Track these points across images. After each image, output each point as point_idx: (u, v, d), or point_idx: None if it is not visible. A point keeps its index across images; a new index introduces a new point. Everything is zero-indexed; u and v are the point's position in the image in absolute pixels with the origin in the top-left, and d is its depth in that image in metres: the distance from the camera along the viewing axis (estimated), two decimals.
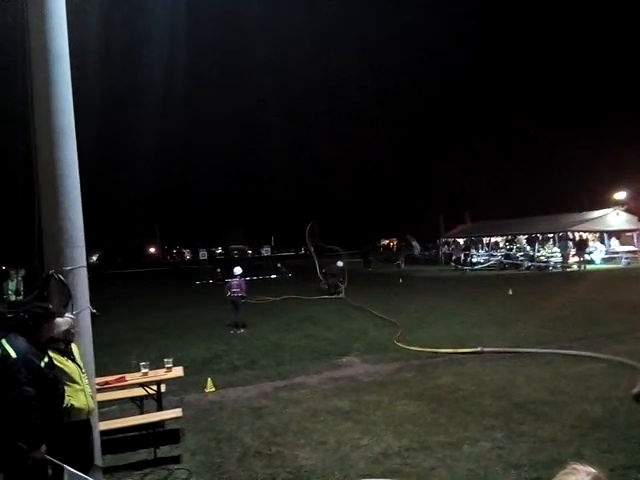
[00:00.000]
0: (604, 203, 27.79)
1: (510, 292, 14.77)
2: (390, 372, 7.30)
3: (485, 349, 8.00)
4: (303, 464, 4.38)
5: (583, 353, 7.48)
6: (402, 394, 6.13)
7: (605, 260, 24.06)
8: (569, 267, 22.87)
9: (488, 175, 37.09)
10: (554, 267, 23.22)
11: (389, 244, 52.69)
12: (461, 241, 32.03)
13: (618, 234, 25.36)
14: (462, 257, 28.38)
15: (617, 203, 27.24)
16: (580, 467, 1.39)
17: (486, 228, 31.02)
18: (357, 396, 6.19)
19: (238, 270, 11.50)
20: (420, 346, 8.56)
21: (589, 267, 22.58)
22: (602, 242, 25.30)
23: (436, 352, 8.16)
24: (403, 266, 29.99)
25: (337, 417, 5.50)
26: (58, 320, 3.38)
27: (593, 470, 1.37)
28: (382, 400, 5.96)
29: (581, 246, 24.03)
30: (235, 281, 11.40)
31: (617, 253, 24.31)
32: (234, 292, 11.32)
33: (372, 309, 12.85)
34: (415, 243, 35.07)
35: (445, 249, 32.38)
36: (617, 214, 25.01)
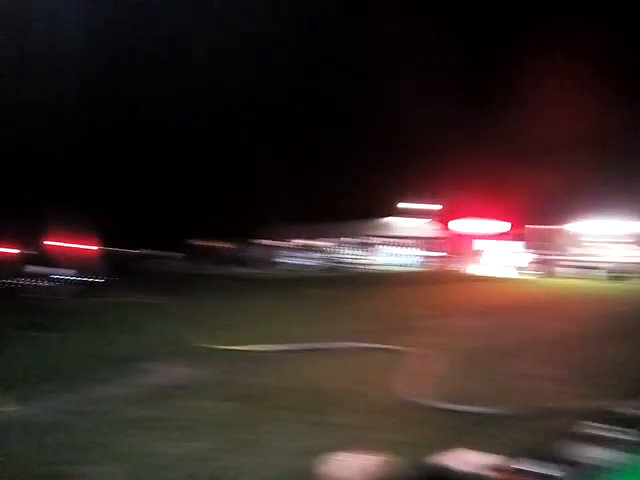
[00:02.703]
0: (406, 212, 31.23)
1: (317, 292, 15.70)
2: (199, 375, 7.10)
3: (292, 347, 8.30)
4: None
5: (372, 345, 8.27)
6: (211, 396, 6.01)
7: (400, 263, 27.09)
8: (369, 269, 25.18)
9: (301, 178, 37.81)
10: (357, 268, 25.40)
11: (205, 245, 50.22)
12: (274, 243, 33.02)
13: (423, 241, 28.91)
14: (272, 258, 29.30)
15: (419, 213, 31.15)
16: (363, 456, 1.46)
17: (295, 230, 32.37)
18: (165, 403, 5.90)
19: None
20: (231, 346, 8.49)
21: (392, 269, 25.24)
22: (410, 247, 28.59)
23: (246, 351, 8.21)
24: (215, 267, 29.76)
25: (140, 426, 5.15)
26: None
27: (379, 457, 1.45)
28: (190, 405, 5.77)
29: (377, 249, 26.74)
30: None
31: (410, 256, 27.69)
32: None
33: (181, 310, 12.48)
34: (230, 245, 35.03)
35: (257, 251, 32.92)
36: (418, 221, 28.62)
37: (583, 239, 19.82)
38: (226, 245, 35.36)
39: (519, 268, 19.48)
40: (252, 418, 5.25)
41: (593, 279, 17.58)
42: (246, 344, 8.54)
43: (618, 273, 17.29)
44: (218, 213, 35.61)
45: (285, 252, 31.31)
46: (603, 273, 17.67)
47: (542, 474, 1.60)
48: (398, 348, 7.94)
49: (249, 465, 4.15)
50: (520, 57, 29.18)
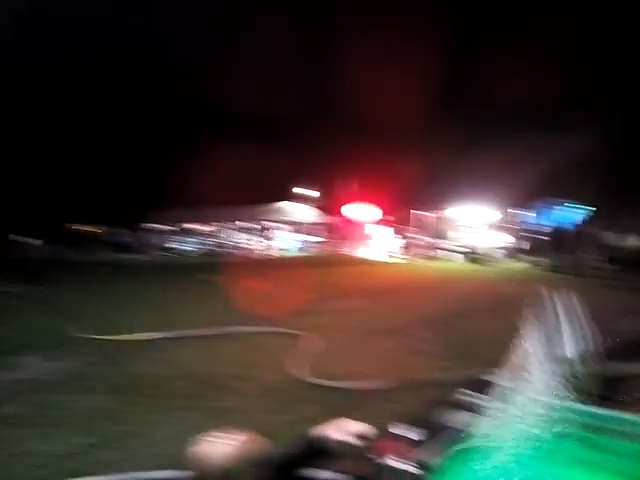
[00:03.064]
0: (294, 197, 31.60)
1: (209, 278, 15.38)
2: (74, 367, 6.59)
3: (177, 334, 8.00)
4: None
5: (267, 329, 8.27)
6: (87, 389, 5.61)
7: (292, 248, 27.54)
8: (262, 253, 25.35)
9: (196, 161, 36.53)
10: (251, 253, 25.45)
11: (87, 231, 46.88)
12: (167, 228, 31.82)
13: (307, 226, 29.49)
14: (169, 244, 28.34)
15: (306, 199, 31.77)
16: (225, 435, 1.45)
17: (194, 215, 31.57)
18: (38, 398, 5.38)
19: None
20: (108, 335, 7.99)
21: (278, 254, 25.50)
22: (294, 233, 29.03)
23: (125, 340, 7.78)
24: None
25: (11, 424, 4.66)
26: None
27: (239, 437, 1.45)
28: (66, 399, 5.33)
29: (275, 235, 26.97)
30: None
31: (302, 241, 28.27)
32: None
33: (51, 299, 11.48)
34: (120, 230, 33.10)
35: (150, 236, 31.56)
36: (308, 208, 29.14)
37: (459, 224, 21.52)
38: (102, 229, 33.11)
39: (401, 252, 20.65)
40: (133, 409, 4.99)
41: (467, 262, 19.15)
42: (125, 333, 8.08)
43: (479, 256, 19.03)
44: (103, 196, 33.32)
45: (173, 237, 30.19)
46: (468, 257, 19.33)
47: (410, 438, 1.70)
48: (289, 331, 8.03)
49: (130, 457, 3.94)
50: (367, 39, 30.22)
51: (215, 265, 20.36)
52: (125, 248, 29.66)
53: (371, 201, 22.09)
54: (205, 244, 28.13)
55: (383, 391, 5.22)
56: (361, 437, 1.66)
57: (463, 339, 7.46)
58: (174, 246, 28.22)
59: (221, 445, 1.41)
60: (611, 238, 14.24)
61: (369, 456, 1.66)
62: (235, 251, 25.70)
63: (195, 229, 30.95)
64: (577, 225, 18.50)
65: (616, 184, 22.27)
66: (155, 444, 4.14)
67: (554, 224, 16.99)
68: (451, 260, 19.77)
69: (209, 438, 1.44)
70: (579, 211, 21.58)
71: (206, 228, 30.78)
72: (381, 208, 22.22)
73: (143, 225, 32.26)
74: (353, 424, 1.71)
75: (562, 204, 21.54)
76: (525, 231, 19.92)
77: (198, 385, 5.59)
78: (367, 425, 1.71)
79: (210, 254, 26.21)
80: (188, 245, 28.79)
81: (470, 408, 2.64)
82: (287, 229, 29.06)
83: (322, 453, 1.71)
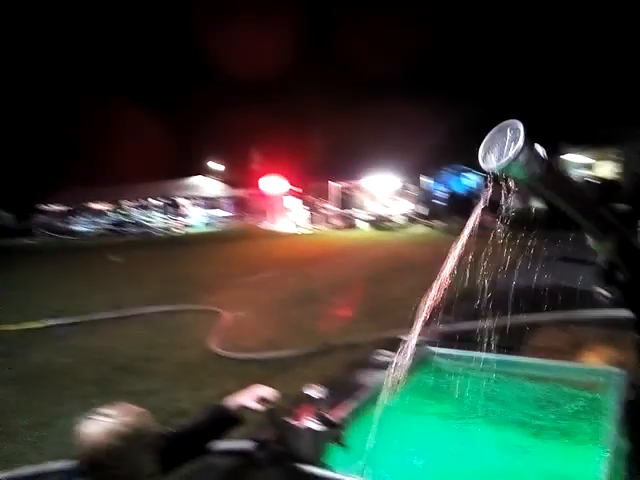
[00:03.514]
0: (200, 171, 30.72)
1: (115, 259, 14.72)
2: None
3: (85, 318, 7.62)
4: None
5: (178, 307, 8.10)
6: None
7: (202, 223, 26.88)
8: (170, 231, 24.52)
9: (86, 138, 34.01)
10: (158, 231, 24.50)
11: None
12: (60, 208, 29.54)
13: (213, 200, 28.81)
14: (66, 225, 26.45)
15: (211, 172, 30.98)
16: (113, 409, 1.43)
17: (92, 193, 29.59)
18: None
19: None
20: (9, 324, 7.43)
21: (188, 230, 24.79)
22: (201, 208, 28.25)
23: (25, 329, 7.26)
24: None
25: None
26: None
27: (125, 411, 1.42)
28: None
29: (183, 211, 26.11)
30: None
31: (212, 217, 27.66)
32: None
33: None
34: (3, 213, 30.02)
35: (43, 218, 29.19)
36: (214, 182, 28.40)
37: (365, 194, 22.18)
38: None
39: (310, 223, 20.94)
40: (37, 400, 4.72)
41: (373, 229, 19.87)
42: (23, 322, 7.53)
43: (384, 223, 19.88)
44: None
45: (72, 217, 28.09)
46: (374, 224, 20.10)
47: (322, 399, 1.78)
48: (202, 307, 7.92)
49: (35, 449, 3.75)
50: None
51: (120, 245, 19.42)
52: (7, 231, 26.92)
53: (278, 173, 22.02)
54: (109, 223, 26.55)
55: (300, 358, 5.35)
56: (267, 401, 1.72)
57: (373, 302, 7.79)
58: (73, 227, 26.35)
59: (101, 423, 1.37)
60: (501, 200, 15.42)
61: (278, 419, 1.72)
62: (142, 229, 24.58)
63: (96, 208, 29.03)
64: (471, 189, 19.85)
65: None
66: (61, 434, 3.96)
67: (450, 189, 18.07)
68: (358, 228, 20.40)
69: (93, 417, 1.40)
70: (473, 176, 23.12)
71: (108, 207, 28.97)
72: (288, 180, 22.25)
73: (37, 206, 29.59)
74: (260, 389, 1.76)
75: (458, 170, 22.93)
76: (424, 197, 21.01)
77: (109, 370, 5.37)
78: (273, 389, 1.76)
79: (115, 234, 24.87)
80: (88, 226, 27.02)
81: (383, 367, 2.79)
82: (196, 204, 28.21)
83: (230, 421, 1.75)
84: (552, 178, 1.58)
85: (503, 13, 29.16)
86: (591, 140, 26.28)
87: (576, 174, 23.73)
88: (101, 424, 1.37)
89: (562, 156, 24.31)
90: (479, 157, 1.71)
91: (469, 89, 26.05)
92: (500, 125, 1.63)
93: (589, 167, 26.62)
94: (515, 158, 1.50)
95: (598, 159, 26.76)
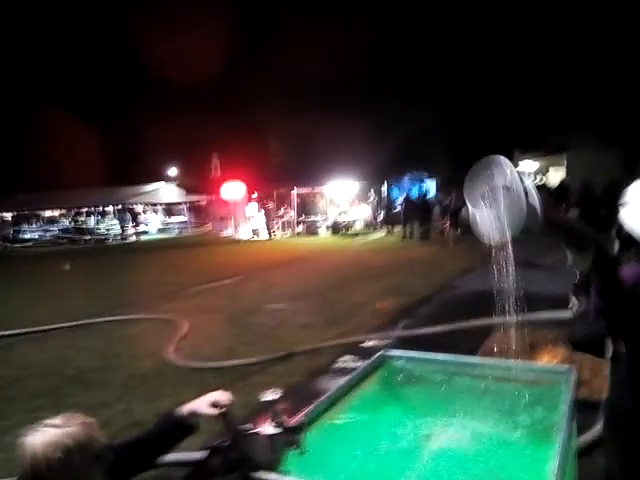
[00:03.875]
0: (157, 177, 30.05)
1: (67, 267, 14.19)
2: None
3: (40, 328, 7.28)
4: None
5: (132, 316, 7.86)
6: None
7: (160, 230, 26.26)
8: (126, 239, 23.85)
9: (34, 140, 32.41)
10: (113, 239, 23.80)
11: None
12: (9, 215, 28.19)
13: (170, 206, 28.23)
14: (12, 233, 25.34)
15: (169, 178, 30.43)
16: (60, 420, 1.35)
17: (39, 200, 28.32)
18: None
19: None
20: None
21: (145, 238, 24.18)
22: (156, 214, 27.61)
23: None
24: None
25: None
26: None
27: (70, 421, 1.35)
28: None
29: (136, 218, 25.42)
30: None
31: (169, 224, 27.08)
32: None
33: None
34: None
35: None
36: (169, 188, 27.81)
37: (324, 200, 22.25)
38: None
39: (269, 229, 20.83)
40: None
41: (332, 235, 19.94)
42: None
43: (343, 229, 20.02)
44: None
45: (27, 224, 26.83)
46: (333, 230, 20.20)
47: (279, 404, 1.76)
48: (156, 316, 7.73)
49: None
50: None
51: (72, 253, 18.73)
52: None
53: (238, 179, 21.80)
54: (60, 231, 25.51)
55: (260, 365, 5.29)
56: (222, 406, 1.68)
57: (332, 308, 7.80)
58: (22, 235, 25.20)
59: (43, 433, 1.30)
60: (454, 206, 15.83)
61: (232, 424, 1.68)
62: (95, 237, 23.77)
63: (48, 215, 27.82)
64: (426, 194, 20.26)
65: (455, 156, 24.72)
66: (6, 450, 3.75)
67: (406, 196, 18.37)
68: (319, 234, 20.43)
69: (37, 428, 1.32)
70: (428, 182, 23.63)
71: (60, 213, 27.82)
72: (248, 186, 22.08)
73: None
74: (214, 394, 1.72)
75: (414, 177, 23.40)
76: (383, 203, 21.27)
77: (58, 382, 5.15)
78: (227, 393, 1.73)
79: (66, 241, 23.94)
80: (39, 233, 25.89)
81: (342, 372, 2.78)
82: (154, 211, 27.53)
83: (183, 429, 1.70)
84: (549, 223, 1.67)
85: (460, 19, 30.07)
86: (543, 147, 27.45)
87: (530, 181, 24.71)
88: (43, 435, 1.29)
89: (517, 162, 25.32)
90: (466, 194, 1.78)
91: (427, 96, 26.74)
92: (493, 169, 1.69)
93: (541, 172, 27.76)
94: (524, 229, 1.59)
95: (549, 165, 27.97)
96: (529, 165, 26.67)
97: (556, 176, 26.23)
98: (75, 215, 27.40)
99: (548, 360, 3.77)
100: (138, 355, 5.91)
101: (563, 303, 2.22)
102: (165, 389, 4.78)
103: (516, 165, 25.68)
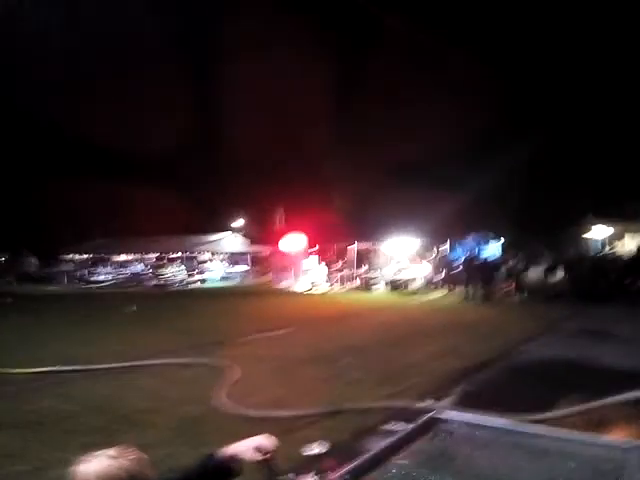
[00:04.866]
0: (224, 227, 31.28)
1: (133, 309, 14.76)
2: None
3: (98, 367, 7.53)
4: None
5: (189, 360, 7.96)
6: None
7: (222, 278, 26.98)
8: (190, 284, 24.67)
9: (112, 190, 34.74)
10: (179, 284, 24.69)
11: None
12: (85, 258, 30.08)
13: (235, 255, 29.10)
14: (87, 274, 26.93)
15: (236, 229, 31.62)
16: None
17: (114, 245, 30.14)
18: None
19: None
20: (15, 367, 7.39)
21: (207, 285, 24.90)
22: (223, 263, 28.49)
23: (31, 373, 7.21)
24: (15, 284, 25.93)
25: None
26: None
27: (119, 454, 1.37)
28: None
29: (203, 266, 26.35)
30: None
31: (232, 272, 27.81)
32: None
33: None
34: (32, 259, 30.66)
35: (68, 266, 29.66)
36: (234, 238, 28.83)
37: (384, 256, 22.10)
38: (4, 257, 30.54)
39: (327, 283, 20.87)
40: (33, 446, 4.61)
41: (390, 292, 19.65)
42: (31, 366, 7.47)
43: (402, 286, 19.67)
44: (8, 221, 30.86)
45: (92, 267, 28.54)
46: (391, 287, 19.91)
47: (316, 454, 1.70)
48: (210, 361, 7.78)
49: None
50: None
51: (137, 296, 19.50)
52: (31, 278, 27.38)
53: (299, 231, 22.25)
54: (128, 275, 26.87)
55: (307, 418, 5.16)
56: (266, 451, 1.64)
57: (386, 366, 7.57)
58: (94, 277, 26.75)
59: (97, 463, 1.31)
60: (520, 269, 15.27)
61: (275, 471, 1.63)
62: (159, 281, 24.77)
63: (117, 260, 29.49)
64: (490, 257, 19.66)
65: (524, 218, 24.04)
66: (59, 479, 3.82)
67: (469, 256, 17.93)
68: (376, 290, 20.20)
69: (87, 457, 1.34)
70: (493, 243, 22.98)
71: (130, 258, 29.39)
72: (309, 239, 22.44)
73: (58, 254, 30.14)
74: (260, 438, 1.68)
75: (478, 237, 22.86)
76: (444, 262, 20.83)
77: (107, 420, 5.25)
78: (274, 438, 1.69)
79: (133, 285, 25.07)
80: (108, 275, 27.36)
81: (391, 433, 2.67)
82: (218, 259, 28.43)
83: (224, 471, 1.67)
84: None
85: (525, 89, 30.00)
86: (618, 213, 26.18)
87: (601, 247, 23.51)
88: (98, 464, 1.32)
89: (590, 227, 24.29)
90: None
91: (496, 157, 26.48)
92: None
93: (616, 238, 26.35)
94: None
95: (626, 231, 26.53)
96: (602, 231, 25.40)
97: (632, 243, 24.77)
98: (143, 260, 28.75)
99: (619, 437, 3.42)
100: (189, 399, 5.93)
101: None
102: (212, 435, 4.74)
103: (587, 230, 24.60)
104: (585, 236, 24.59)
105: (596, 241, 24.58)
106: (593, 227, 24.80)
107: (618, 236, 26.53)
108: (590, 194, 26.69)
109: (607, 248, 23.54)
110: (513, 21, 27.41)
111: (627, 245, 25.16)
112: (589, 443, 2.17)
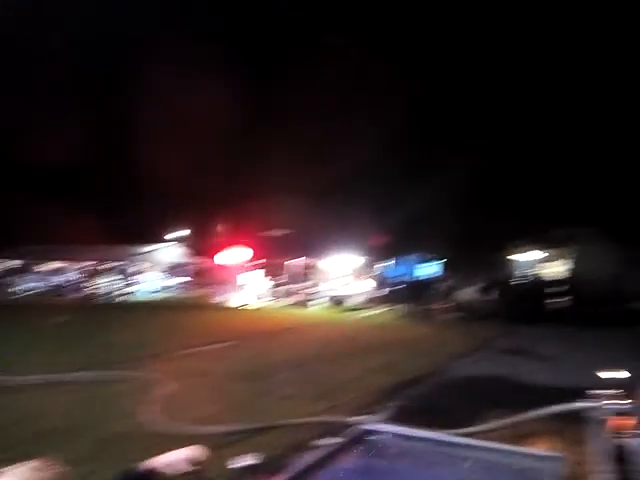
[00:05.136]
0: (160, 239, 30.36)
1: (63, 319, 14.04)
2: None
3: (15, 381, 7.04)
4: None
5: (115, 375, 7.61)
6: None
7: (157, 290, 26.15)
8: (122, 297, 23.74)
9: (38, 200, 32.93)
10: (109, 296, 23.69)
11: None
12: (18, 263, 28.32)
13: (173, 268, 28.30)
14: (11, 283, 25.39)
15: (176, 240, 30.74)
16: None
17: (42, 252, 28.54)
18: None
19: None
20: None
21: (142, 297, 24.04)
22: (158, 274, 27.61)
23: None
24: None
25: None
26: None
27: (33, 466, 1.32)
28: None
29: (136, 277, 25.43)
30: None
31: (168, 285, 27.03)
32: None
33: None
34: None
35: None
36: (175, 249, 28.05)
37: (326, 272, 22.24)
38: None
39: (267, 297, 20.69)
40: None
41: (330, 308, 19.73)
42: None
43: (342, 303, 19.85)
44: None
45: (22, 276, 26.84)
46: (332, 302, 20.05)
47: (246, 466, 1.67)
48: (146, 376, 7.46)
49: None
50: None
51: (62, 307, 18.53)
52: None
53: (240, 244, 21.99)
54: (54, 284, 25.45)
55: (239, 434, 5.02)
56: (197, 462, 1.58)
57: (323, 381, 7.54)
58: (17, 286, 25.17)
59: (17, 475, 1.26)
60: (456, 288, 15.82)
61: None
62: (87, 292, 23.66)
63: (45, 268, 27.87)
64: (429, 275, 20.25)
65: (462, 239, 24.94)
66: None
67: (410, 274, 18.40)
68: (316, 305, 20.24)
69: (5, 470, 1.29)
70: (434, 262, 23.67)
71: (57, 267, 27.84)
72: (251, 252, 22.21)
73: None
74: (190, 449, 1.62)
75: (419, 256, 23.50)
76: (383, 280, 21.23)
77: (26, 436, 4.88)
78: (204, 448, 1.63)
79: (59, 294, 23.80)
80: (31, 285, 25.78)
81: (323, 447, 2.64)
82: (153, 271, 27.52)
83: None
84: None
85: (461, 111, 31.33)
86: (546, 239, 27.74)
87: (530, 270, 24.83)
88: (15, 476, 1.27)
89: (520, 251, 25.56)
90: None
91: (433, 179, 27.37)
92: None
93: (548, 261, 27.88)
94: None
95: (558, 256, 28.14)
96: (531, 254, 26.84)
97: (556, 267, 26.33)
98: (72, 269, 27.39)
99: (541, 448, 3.57)
100: (115, 415, 5.64)
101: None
102: (138, 452, 4.50)
103: (518, 253, 25.93)
104: (515, 259, 25.87)
105: (525, 264, 25.91)
106: (523, 251, 26.14)
107: (546, 260, 28.14)
108: (520, 219, 28.16)
109: (535, 270, 24.86)
110: (442, 39, 28.63)
111: (553, 268, 26.69)
112: (513, 453, 2.23)
